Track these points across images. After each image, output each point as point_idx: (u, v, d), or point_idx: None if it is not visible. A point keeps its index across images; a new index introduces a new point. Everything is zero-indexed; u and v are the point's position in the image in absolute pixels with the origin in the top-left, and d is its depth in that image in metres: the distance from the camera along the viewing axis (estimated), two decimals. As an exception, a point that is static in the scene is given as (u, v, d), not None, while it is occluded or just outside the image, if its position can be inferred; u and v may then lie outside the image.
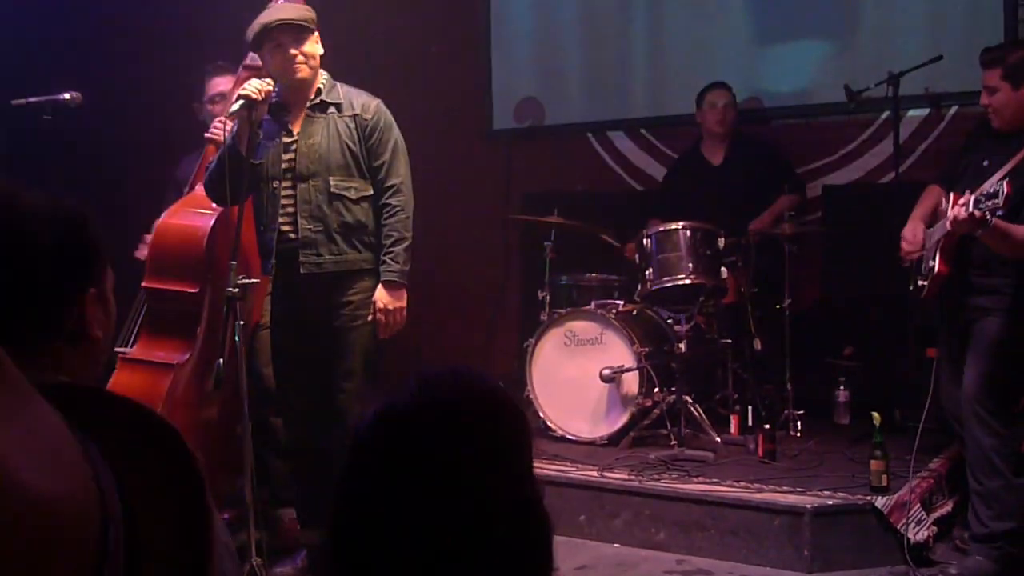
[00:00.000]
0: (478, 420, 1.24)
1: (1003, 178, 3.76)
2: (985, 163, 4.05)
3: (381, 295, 4.08)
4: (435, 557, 1.17)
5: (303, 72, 4.02)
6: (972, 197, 3.74)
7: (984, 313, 4.05)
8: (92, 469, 0.86)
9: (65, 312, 1.48)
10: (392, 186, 4.12)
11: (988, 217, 3.65)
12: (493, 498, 1.20)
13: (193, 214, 4.37)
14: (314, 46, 4.06)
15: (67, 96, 4.25)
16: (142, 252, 4.69)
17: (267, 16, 3.98)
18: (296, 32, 3.99)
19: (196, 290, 4.26)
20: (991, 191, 3.67)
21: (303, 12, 4.02)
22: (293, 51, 3.99)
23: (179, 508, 0.93)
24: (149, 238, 4.47)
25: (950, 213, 3.87)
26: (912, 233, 4.26)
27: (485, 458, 1.21)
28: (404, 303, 4.14)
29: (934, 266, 4.08)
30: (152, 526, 0.89)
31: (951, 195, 4.08)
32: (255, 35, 4.01)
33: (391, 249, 4.09)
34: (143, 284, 4.33)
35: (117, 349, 4.22)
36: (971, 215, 3.68)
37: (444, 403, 1.24)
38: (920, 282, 4.21)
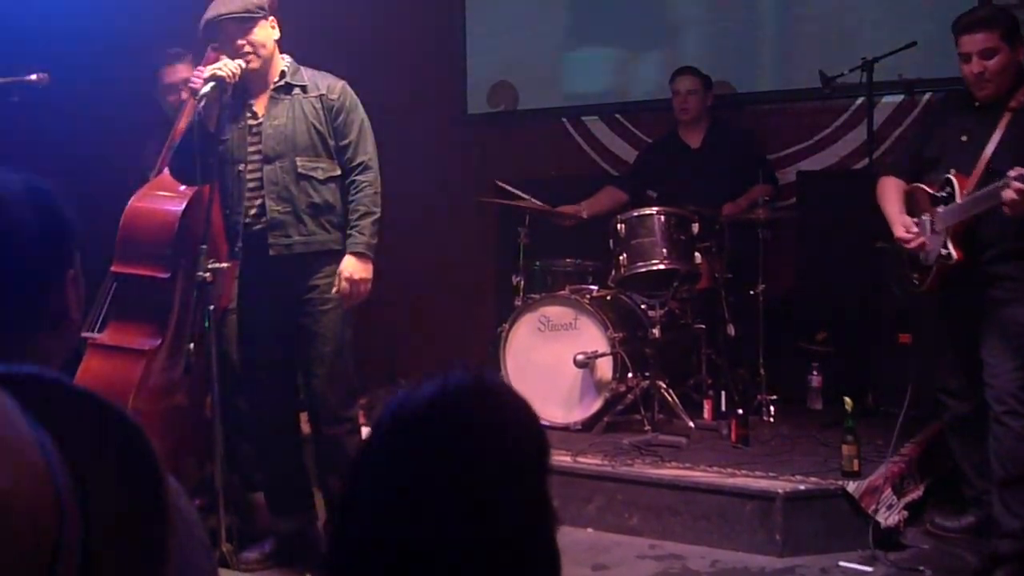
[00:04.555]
0: (494, 434, 1.21)
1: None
2: (963, 138, 3.92)
3: (348, 264, 4.02)
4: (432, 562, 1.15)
5: (254, 63, 3.98)
6: (1020, 172, 3.48)
7: (1001, 304, 3.87)
8: (46, 463, 0.83)
9: (50, 297, 1.45)
10: (360, 163, 4.10)
11: None
12: (493, 516, 1.18)
13: (163, 198, 4.31)
14: (264, 32, 4.00)
15: (34, 77, 4.18)
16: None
17: (212, 10, 3.94)
18: (240, 23, 3.94)
19: (167, 275, 4.21)
20: None
21: (246, 1, 3.96)
22: (240, 41, 3.95)
23: (137, 510, 0.90)
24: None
25: (1005, 195, 3.53)
26: (907, 227, 4.04)
27: (490, 473, 1.19)
28: (370, 275, 4.08)
29: (948, 253, 3.86)
30: (109, 526, 0.87)
31: (955, 178, 3.87)
32: (203, 29, 3.98)
33: (358, 222, 4.05)
34: (112, 269, 4.28)
35: (85, 334, 4.17)
36: None
37: (462, 412, 1.21)
38: (915, 276, 4.04)
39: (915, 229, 4.02)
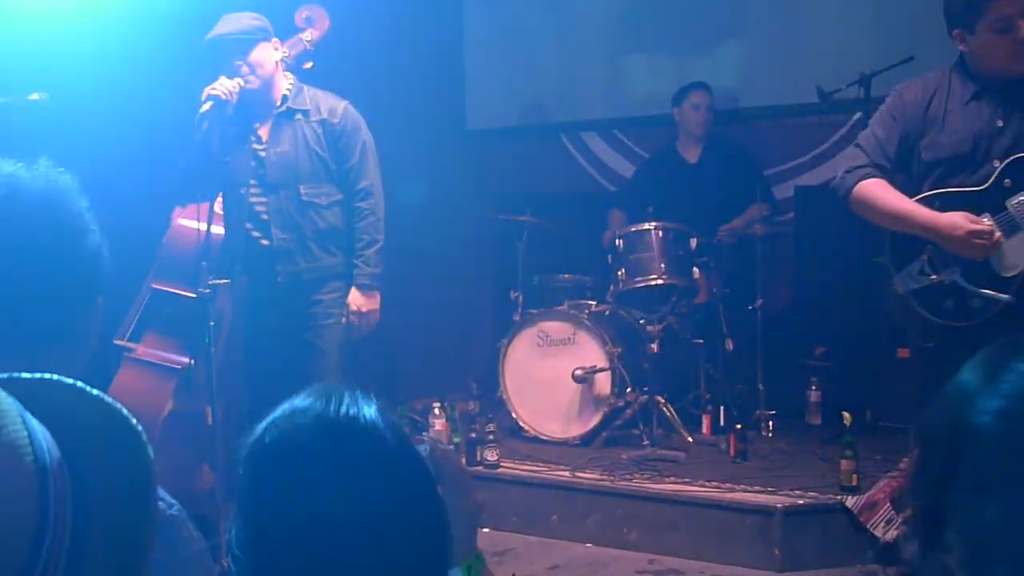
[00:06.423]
0: (349, 447, 1.23)
1: None
2: (999, 123, 3.31)
3: (354, 297, 4.11)
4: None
5: (252, 84, 4.03)
6: None
7: None
8: (37, 471, 0.84)
9: (87, 318, 1.47)
10: (362, 188, 4.15)
11: None
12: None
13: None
14: (264, 53, 4.06)
15: (35, 96, 4.19)
16: None
17: (213, 31, 4.01)
18: (238, 44, 4.00)
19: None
20: None
21: (245, 24, 4.03)
22: (238, 62, 4.00)
23: (128, 513, 0.92)
24: None
25: None
26: (971, 219, 3.25)
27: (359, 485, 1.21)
28: (377, 305, 4.16)
29: None
30: (101, 525, 0.88)
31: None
32: (206, 48, 4.03)
33: (363, 252, 4.12)
34: (152, 285, 4.37)
35: (119, 342, 4.24)
36: None
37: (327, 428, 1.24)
38: (986, 291, 3.26)
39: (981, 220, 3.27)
